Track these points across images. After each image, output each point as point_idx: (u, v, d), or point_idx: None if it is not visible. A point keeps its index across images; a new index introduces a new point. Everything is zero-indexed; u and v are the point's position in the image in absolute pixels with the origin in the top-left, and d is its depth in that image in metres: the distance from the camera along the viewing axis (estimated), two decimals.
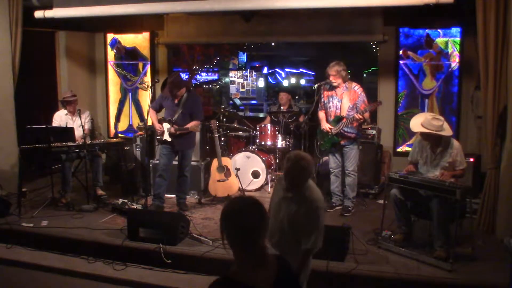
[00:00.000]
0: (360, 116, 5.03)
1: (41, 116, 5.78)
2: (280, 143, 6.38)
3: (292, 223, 2.91)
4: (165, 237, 4.40)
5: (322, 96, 5.37)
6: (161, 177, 5.39)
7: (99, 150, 5.87)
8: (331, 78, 5.15)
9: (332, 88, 5.27)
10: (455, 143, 4.24)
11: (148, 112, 5.41)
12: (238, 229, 1.79)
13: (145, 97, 7.65)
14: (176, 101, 5.32)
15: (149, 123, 5.65)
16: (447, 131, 4.17)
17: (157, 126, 5.35)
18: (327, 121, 5.33)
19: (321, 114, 5.41)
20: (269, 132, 6.41)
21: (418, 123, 4.19)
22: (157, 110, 5.53)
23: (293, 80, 14.03)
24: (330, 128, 5.22)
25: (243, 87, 13.40)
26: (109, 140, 6.76)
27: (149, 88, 7.59)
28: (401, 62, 6.52)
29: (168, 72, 7.72)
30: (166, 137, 5.31)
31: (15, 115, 6.02)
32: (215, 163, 5.83)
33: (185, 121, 5.31)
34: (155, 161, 6.01)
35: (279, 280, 1.78)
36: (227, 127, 6.77)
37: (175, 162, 5.53)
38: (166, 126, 5.31)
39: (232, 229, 1.80)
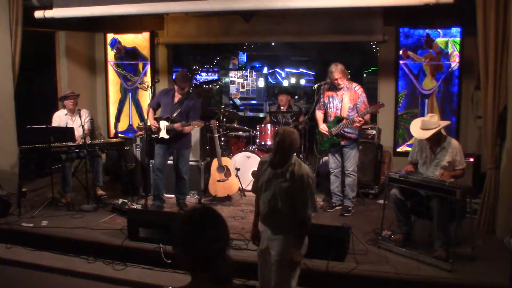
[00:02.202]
0: (361, 119, 5.02)
1: (41, 116, 5.78)
2: None
3: (286, 198, 3.01)
4: (165, 237, 4.40)
5: (322, 96, 5.37)
6: (158, 177, 5.38)
7: (99, 150, 5.87)
8: (338, 81, 5.11)
9: (333, 88, 5.27)
10: (455, 142, 4.25)
11: (147, 111, 5.38)
12: (197, 247, 1.63)
13: (145, 97, 7.65)
14: (175, 100, 5.32)
15: (149, 123, 5.64)
16: (443, 121, 4.33)
17: (152, 122, 5.31)
18: (327, 121, 5.33)
19: (319, 115, 5.40)
20: (269, 132, 6.41)
21: (421, 130, 4.19)
22: (155, 109, 5.51)
23: (293, 80, 14.05)
24: (327, 130, 5.22)
25: (243, 87, 13.41)
26: (109, 140, 6.76)
27: (149, 88, 7.59)
28: (401, 62, 6.52)
29: (168, 72, 7.74)
30: (163, 134, 5.28)
31: (15, 115, 6.02)
32: (215, 163, 5.83)
33: (182, 120, 5.29)
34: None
35: None
36: (227, 127, 6.77)
37: (171, 162, 5.51)
38: (163, 123, 5.28)
39: (190, 246, 1.64)
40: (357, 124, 5.07)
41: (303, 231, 3.07)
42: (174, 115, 5.28)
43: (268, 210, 3.08)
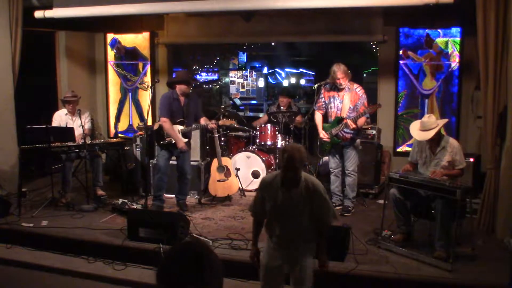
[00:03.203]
0: (354, 125, 5.03)
1: (41, 116, 5.78)
2: (280, 143, 6.38)
3: (310, 215, 2.97)
4: (165, 237, 4.40)
5: (322, 96, 5.37)
6: (162, 180, 5.40)
7: (99, 150, 5.87)
8: (340, 80, 5.11)
9: (334, 88, 5.27)
10: (454, 142, 4.25)
11: (166, 126, 5.19)
12: None
13: (145, 97, 7.65)
14: (182, 103, 5.34)
15: (149, 123, 5.64)
16: (442, 120, 4.38)
17: (181, 143, 5.22)
18: (328, 121, 5.33)
19: (318, 117, 5.38)
20: (269, 132, 6.41)
21: (422, 132, 4.20)
22: (170, 118, 5.28)
23: (293, 80, 14.04)
24: (327, 137, 5.22)
25: (243, 87, 13.41)
26: (109, 140, 6.76)
27: (149, 88, 7.59)
28: (401, 62, 6.52)
29: (168, 72, 7.74)
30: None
31: (15, 115, 6.02)
32: (215, 163, 5.83)
33: (192, 121, 5.40)
34: (155, 161, 6.01)
35: None
36: (227, 127, 6.77)
37: (173, 162, 5.52)
38: (176, 128, 5.30)
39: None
40: (354, 126, 5.07)
41: (326, 238, 3.10)
42: (188, 118, 5.34)
43: (288, 233, 2.99)
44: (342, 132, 5.18)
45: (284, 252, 3.03)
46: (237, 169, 6.11)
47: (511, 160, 4.48)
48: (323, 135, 5.26)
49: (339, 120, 5.17)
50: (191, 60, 10.31)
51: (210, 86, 13.26)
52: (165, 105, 5.30)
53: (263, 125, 6.57)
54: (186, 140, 5.33)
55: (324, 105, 5.37)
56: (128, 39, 7.71)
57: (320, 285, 3.25)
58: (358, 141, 5.32)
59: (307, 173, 3.11)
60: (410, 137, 6.47)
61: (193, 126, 5.41)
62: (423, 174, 4.30)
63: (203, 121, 5.47)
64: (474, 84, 6.05)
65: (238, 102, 12.60)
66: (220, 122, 5.53)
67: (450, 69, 6.31)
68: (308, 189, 2.93)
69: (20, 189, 5.49)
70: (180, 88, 5.30)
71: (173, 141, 5.27)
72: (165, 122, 5.23)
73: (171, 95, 5.34)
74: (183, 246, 1.53)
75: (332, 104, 5.27)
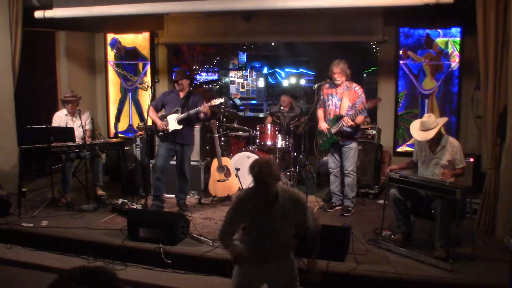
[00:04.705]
0: (351, 122, 5.03)
1: (41, 116, 5.79)
2: (280, 143, 6.38)
3: (284, 228, 2.89)
4: (165, 237, 4.40)
5: (321, 94, 5.38)
6: (159, 180, 5.40)
7: (99, 150, 5.87)
8: (335, 75, 5.13)
9: (332, 86, 5.27)
10: (454, 141, 4.26)
11: (148, 110, 5.38)
12: None
13: (145, 97, 7.65)
14: (181, 96, 5.41)
15: (149, 123, 5.65)
16: (441, 118, 4.39)
17: (159, 122, 5.33)
18: (326, 120, 5.34)
19: (320, 113, 5.40)
20: (269, 132, 6.40)
21: (422, 132, 4.20)
22: (158, 109, 5.53)
23: (293, 80, 14.05)
24: (327, 128, 5.23)
25: (243, 87, 13.43)
26: (109, 140, 6.76)
27: (149, 88, 7.59)
28: (401, 62, 6.52)
29: (168, 72, 7.75)
30: (174, 127, 5.30)
31: (15, 115, 6.02)
32: (215, 163, 5.83)
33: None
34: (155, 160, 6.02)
35: None
36: (227, 127, 6.77)
37: (173, 162, 5.53)
38: (172, 117, 5.33)
39: None
40: (351, 123, 5.07)
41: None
42: (184, 108, 5.35)
43: (268, 247, 2.88)
44: (341, 129, 5.17)
45: (263, 267, 2.92)
46: (237, 169, 6.11)
47: (511, 160, 4.48)
48: (323, 125, 5.27)
49: (338, 118, 5.18)
50: (191, 60, 10.33)
51: (210, 86, 13.28)
52: (158, 97, 5.76)
53: (263, 125, 6.57)
54: (180, 127, 5.32)
55: (322, 102, 5.38)
56: (128, 39, 7.71)
57: (320, 285, 3.25)
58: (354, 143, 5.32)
59: (286, 181, 3.04)
60: (410, 137, 6.48)
61: (187, 113, 5.34)
62: (423, 173, 4.30)
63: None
64: (474, 84, 6.06)
65: (238, 102, 12.60)
66: (211, 103, 5.45)
67: (450, 69, 6.31)
68: (291, 201, 2.82)
69: (20, 189, 5.49)
70: (176, 85, 5.50)
71: (170, 131, 5.30)
72: (150, 110, 5.44)
73: (171, 90, 5.71)
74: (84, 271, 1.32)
75: (330, 102, 5.28)
